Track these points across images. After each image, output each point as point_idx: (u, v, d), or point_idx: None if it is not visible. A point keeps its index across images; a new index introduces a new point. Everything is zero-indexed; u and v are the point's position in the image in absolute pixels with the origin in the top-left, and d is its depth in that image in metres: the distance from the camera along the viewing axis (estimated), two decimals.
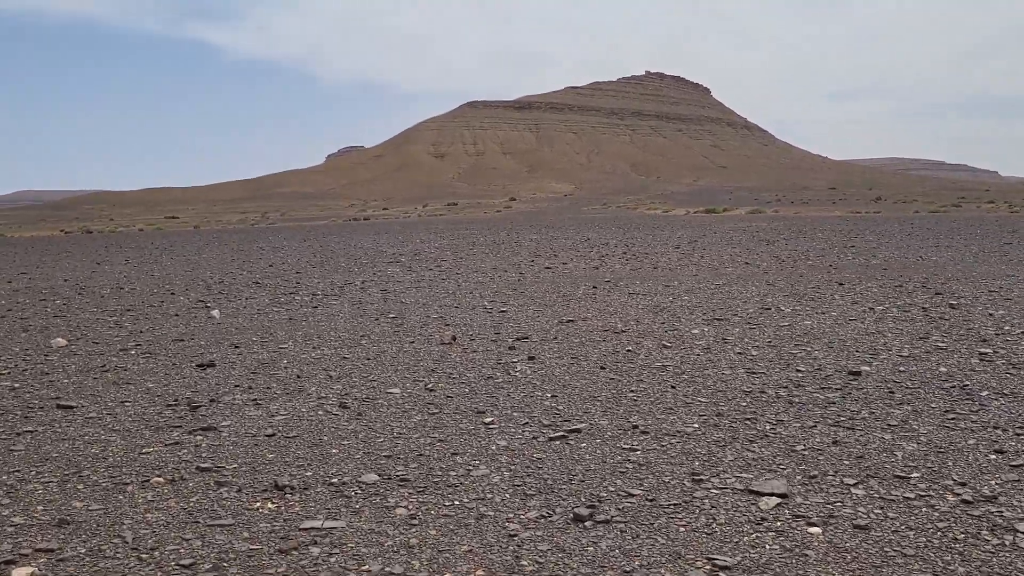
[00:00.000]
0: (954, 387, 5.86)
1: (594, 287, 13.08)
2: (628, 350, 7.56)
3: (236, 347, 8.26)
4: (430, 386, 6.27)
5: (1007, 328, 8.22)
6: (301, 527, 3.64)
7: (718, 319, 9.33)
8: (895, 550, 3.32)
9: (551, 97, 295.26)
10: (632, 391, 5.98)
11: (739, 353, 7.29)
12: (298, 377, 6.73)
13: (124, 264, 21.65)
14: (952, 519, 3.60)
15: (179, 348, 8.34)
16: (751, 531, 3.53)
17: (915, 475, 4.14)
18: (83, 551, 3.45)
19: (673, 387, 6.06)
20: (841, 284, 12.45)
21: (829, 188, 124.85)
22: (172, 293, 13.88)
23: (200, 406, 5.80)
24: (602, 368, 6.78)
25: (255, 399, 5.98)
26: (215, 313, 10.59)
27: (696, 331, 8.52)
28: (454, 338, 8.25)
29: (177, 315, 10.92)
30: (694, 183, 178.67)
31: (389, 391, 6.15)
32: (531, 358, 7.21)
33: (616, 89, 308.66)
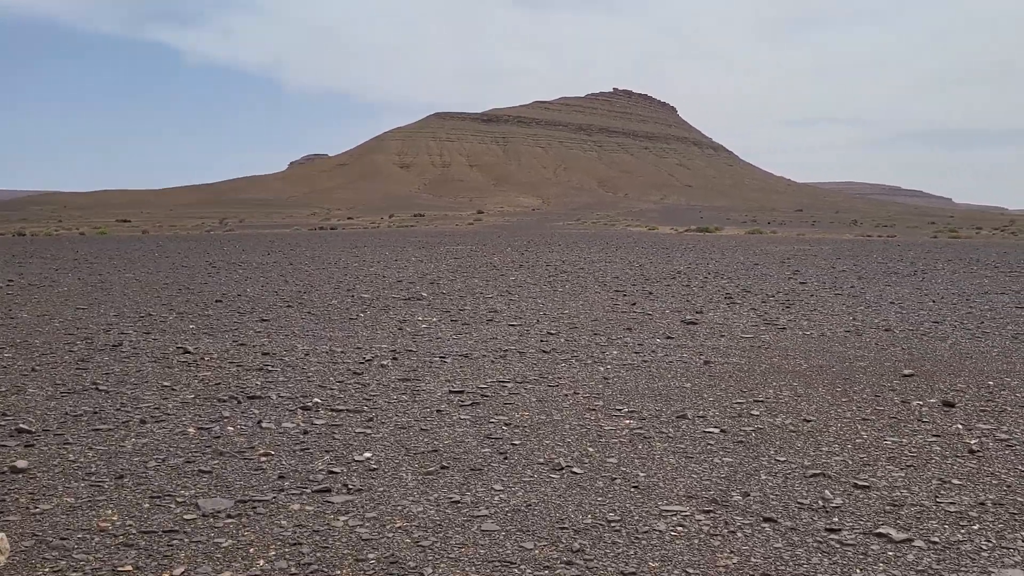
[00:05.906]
0: None
1: (903, 401, 6.53)
2: None
3: None
4: None
5: None
6: None
7: None
8: None
9: (519, 111, 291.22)
10: None
11: None
12: None
13: None
14: None
15: None
16: None
17: None
18: None
19: None
20: None
21: (796, 210, 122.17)
22: None
23: None
24: None
25: None
26: None
27: None
28: None
29: None
30: (661, 201, 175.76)
31: None
32: None
33: (584, 105, 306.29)
